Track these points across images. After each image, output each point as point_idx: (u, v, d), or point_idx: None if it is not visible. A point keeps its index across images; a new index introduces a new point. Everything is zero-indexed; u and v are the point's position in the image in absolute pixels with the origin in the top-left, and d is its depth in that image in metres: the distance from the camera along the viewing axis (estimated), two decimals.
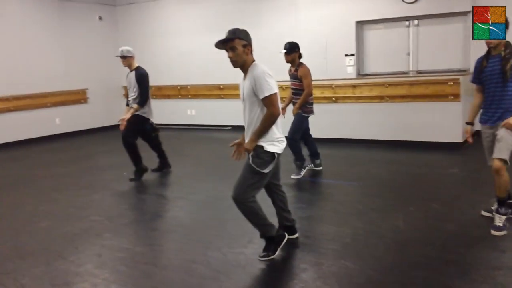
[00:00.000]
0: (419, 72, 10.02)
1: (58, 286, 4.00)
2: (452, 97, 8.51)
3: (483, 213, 5.09)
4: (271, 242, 4.31)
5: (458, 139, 8.48)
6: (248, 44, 4.04)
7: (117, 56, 7.39)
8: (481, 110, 4.87)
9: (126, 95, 7.59)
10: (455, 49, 9.63)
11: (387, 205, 5.77)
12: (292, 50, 6.86)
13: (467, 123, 4.97)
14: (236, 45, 3.97)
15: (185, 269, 4.21)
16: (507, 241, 4.47)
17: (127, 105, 7.53)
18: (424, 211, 5.42)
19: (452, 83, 8.49)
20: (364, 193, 6.33)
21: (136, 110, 7.22)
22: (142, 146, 7.63)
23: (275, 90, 3.99)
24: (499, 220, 4.62)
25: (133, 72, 7.35)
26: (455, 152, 8.34)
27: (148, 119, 7.45)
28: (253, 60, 4.11)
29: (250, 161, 4.07)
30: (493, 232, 4.56)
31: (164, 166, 7.94)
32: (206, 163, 8.73)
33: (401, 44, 10.19)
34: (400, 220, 5.15)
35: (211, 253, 4.46)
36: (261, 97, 3.95)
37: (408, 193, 6.23)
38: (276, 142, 4.12)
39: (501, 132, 4.53)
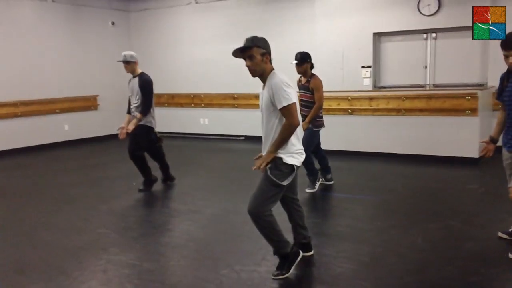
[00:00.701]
0: (436, 86, 9.84)
1: None
2: (469, 111, 8.31)
3: (500, 234, 4.85)
4: (285, 260, 4.12)
5: (476, 154, 8.30)
6: (266, 53, 3.90)
7: (120, 61, 7.08)
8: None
9: (129, 103, 7.27)
10: (473, 63, 9.43)
11: (405, 221, 5.57)
12: (303, 60, 6.59)
13: (490, 137, 4.69)
14: (254, 53, 3.84)
15: None
16: None
17: (128, 112, 7.24)
18: (443, 229, 5.23)
19: (470, 97, 8.29)
20: (381, 209, 6.13)
21: (140, 120, 6.92)
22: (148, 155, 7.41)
23: (294, 100, 3.84)
24: None
25: (136, 79, 7.05)
26: (473, 168, 8.15)
27: (153, 128, 7.16)
28: (272, 69, 3.97)
29: (269, 173, 3.91)
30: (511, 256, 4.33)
31: (167, 178, 7.65)
32: (219, 174, 8.54)
33: (418, 57, 10.01)
34: (419, 237, 4.97)
35: (223, 271, 4.27)
36: (279, 107, 3.81)
37: (426, 209, 6.02)
38: (295, 154, 3.96)
39: None
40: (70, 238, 5.31)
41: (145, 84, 6.98)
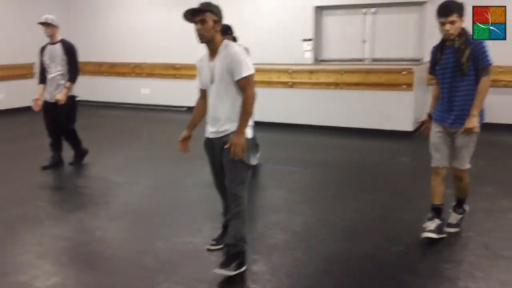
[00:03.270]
0: (374, 60, 10.08)
1: None
2: (405, 86, 8.58)
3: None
4: (235, 258, 3.76)
5: (409, 128, 8.60)
6: (219, 21, 3.73)
7: (40, 23, 6.69)
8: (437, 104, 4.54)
9: (42, 71, 6.92)
10: (410, 38, 9.74)
11: (338, 193, 5.79)
12: (224, 33, 6.52)
13: (428, 114, 4.65)
14: (207, 18, 3.64)
15: (132, 260, 4.07)
16: (453, 235, 4.51)
17: (42, 82, 6.91)
18: (374, 200, 5.46)
19: (405, 72, 8.56)
20: (316, 180, 6.33)
21: (69, 89, 6.68)
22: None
23: (253, 70, 3.71)
24: (455, 218, 4.62)
25: (58, 45, 6.74)
26: (406, 141, 8.44)
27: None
28: (222, 40, 3.79)
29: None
30: (447, 229, 4.51)
31: (60, 161, 7.01)
32: (159, 145, 8.48)
33: (358, 31, 10.20)
34: (351, 209, 5.18)
35: (159, 243, 4.34)
36: (239, 77, 3.62)
37: (359, 181, 6.26)
38: (249, 126, 3.80)
39: (461, 140, 4.28)
40: (3, 210, 5.21)
41: (72, 50, 6.76)
